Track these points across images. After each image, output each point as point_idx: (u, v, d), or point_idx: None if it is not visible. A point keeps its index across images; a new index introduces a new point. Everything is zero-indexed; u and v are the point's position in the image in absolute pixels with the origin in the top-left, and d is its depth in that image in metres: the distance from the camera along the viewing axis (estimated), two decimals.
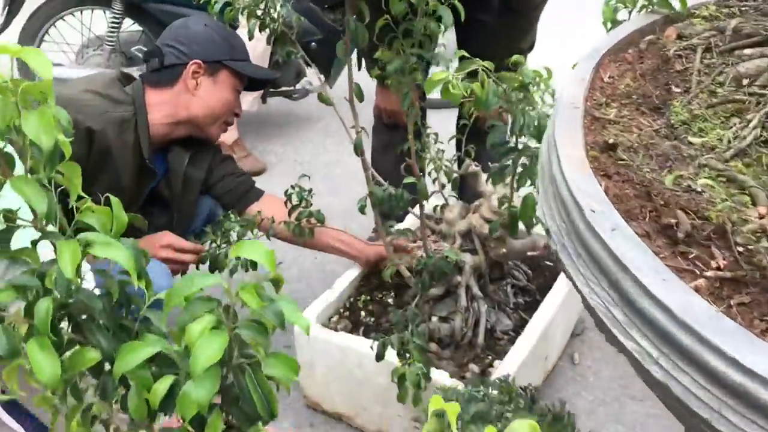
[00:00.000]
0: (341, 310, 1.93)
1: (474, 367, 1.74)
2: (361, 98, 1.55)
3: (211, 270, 1.82)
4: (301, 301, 2.36)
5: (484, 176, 1.93)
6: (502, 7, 2.03)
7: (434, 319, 1.81)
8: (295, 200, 1.83)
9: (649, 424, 1.90)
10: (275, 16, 1.59)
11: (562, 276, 1.96)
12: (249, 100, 3.27)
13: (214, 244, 1.84)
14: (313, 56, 1.63)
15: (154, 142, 1.81)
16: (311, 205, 1.86)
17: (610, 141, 0.89)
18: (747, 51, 1.09)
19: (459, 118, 2.40)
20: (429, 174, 1.83)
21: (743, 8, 1.31)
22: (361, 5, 1.27)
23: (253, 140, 3.54)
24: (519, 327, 1.88)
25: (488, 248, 1.78)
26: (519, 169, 1.26)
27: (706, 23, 1.20)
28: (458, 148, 2.37)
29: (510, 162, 1.31)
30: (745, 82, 1.03)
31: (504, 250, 1.73)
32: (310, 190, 1.87)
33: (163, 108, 1.80)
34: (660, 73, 1.10)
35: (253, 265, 1.87)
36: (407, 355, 1.54)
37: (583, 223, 0.78)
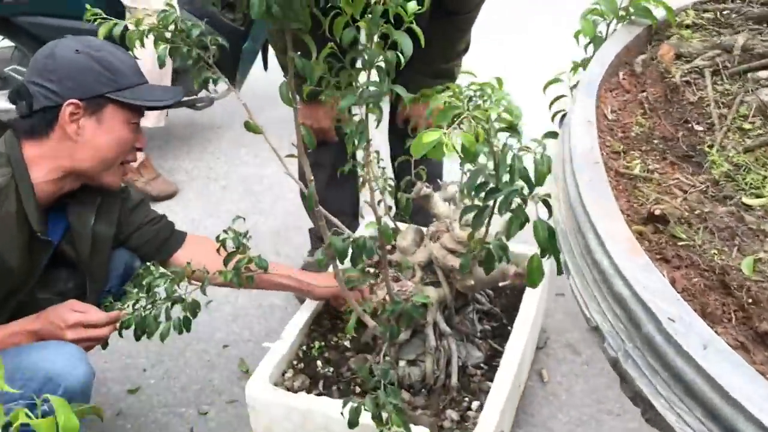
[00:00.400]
0: (294, 363, 1.73)
1: (452, 414, 1.59)
2: (312, 146, 1.35)
3: (137, 336, 1.58)
4: (239, 346, 2.15)
5: (436, 198, 1.78)
6: (437, 9, 1.85)
7: (402, 363, 1.64)
8: (230, 246, 1.61)
9: None
10: (188, 37, 1.35)
11: (527, 295, 1.84)
12: (154, 116, 2.96)
13: (138, 305, 1.60)
14: (216, 61, 1.38)
15: (43, 204, 1.49)
16: (249, 249, 1.64)
17: (656, 212, 0.74)
18: (762, 73, 0.96)
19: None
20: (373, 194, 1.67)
21: (724, 11, 1.19)
22: (306, 39, 1.06)
23: (157, 158, 3.22)
24: (490, 357, 1.75)
25: (453, 280, 1.62)
26: (507, 214, 1.10)
27: (702, 39, 1.07)
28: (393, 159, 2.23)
29: (490, 203, 1.15)
30: None
31: (471, 281, 1.58)
32: (246, 233, 1.65)
33: (44, 163, 1.46)
34: (671, 106, 0.96)
35: (187, 325, 1.65)
36: (384, 417, 1.37)
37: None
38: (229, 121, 3.61)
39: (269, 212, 2.82)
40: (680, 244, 0.71)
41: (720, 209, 0.74)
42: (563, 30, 2.06)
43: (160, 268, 1.72)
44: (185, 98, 3.21)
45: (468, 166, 1.22)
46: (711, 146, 0.84)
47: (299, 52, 1.09)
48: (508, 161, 1.01)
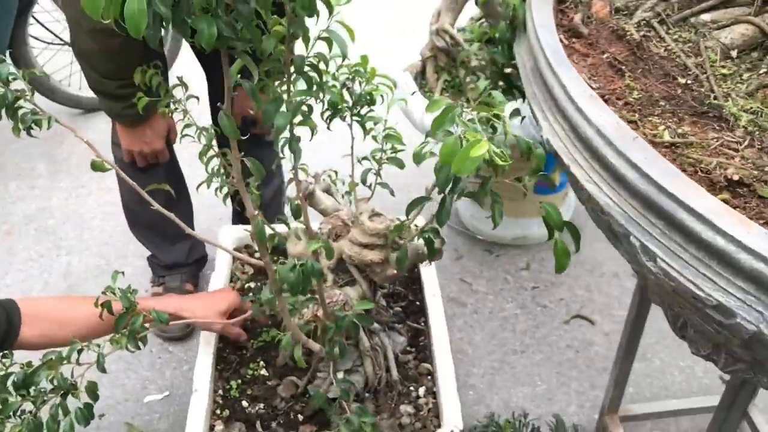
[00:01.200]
0: (218, 411, 1.53)
1: (406, 408, 1.53)
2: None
3: None
4: (117, 410, 1.83)
5: (318, 193, 1.66)
6: None
7: (340, 375, 1.53)
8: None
9: (542, 372, 1.92)
10: None
11: (422, 266, 1.82)
12: None
13: (24, 415, 1.29)
14: None
15: None
16: (136, 305, 1.39)
17: (734, 177, 0.74)
18: (704, 17, 1.01)
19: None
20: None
21: None
22: (245, 59, 0.88)
23: None
24: (412, 338, 1.71)
25: (372, 274, 1.54)
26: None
27: None
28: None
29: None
30: (734, 53, 0.95)
31: (393, 271, 1.51)
32: (130, 288, 1.40)
33: None
34: (644, 63, 0.96)
35: (90, 413, 1.38)
36: None
37: None
38: None
39: (80, 248, 2.44)
40: None
41: None
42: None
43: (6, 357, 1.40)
44: None
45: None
46: (716, 98, 0.86)
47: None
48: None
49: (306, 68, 1.01)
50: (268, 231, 1.73)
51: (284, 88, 1.02)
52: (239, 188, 1.55)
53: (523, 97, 1.30)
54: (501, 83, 1.27)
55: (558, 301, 2.14)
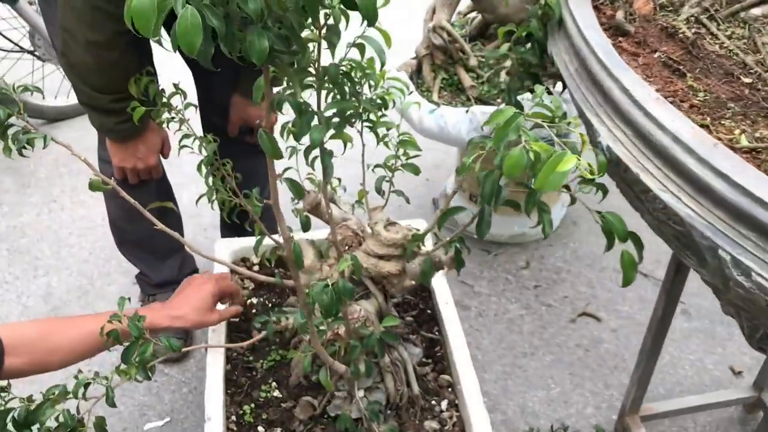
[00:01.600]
0: None
1: (431, 424, 1.47)
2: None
3: None
4: None
5: (325, 203, 1.58)
6: None
7: (360, 394, 1.47)
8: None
9: (555, 374, 1.88)
10: None
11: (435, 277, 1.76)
12: None
13: None
14: None
15: None
16: (142, 320, 1.30)
17: None
18: (755, 11, 0.97)
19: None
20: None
21: None
22: (287, 73, 0.80)
23: None
24: (427, 349, 1.65)
25: (388, 286, 1.47)
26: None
27: None
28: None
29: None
30: None
31: (411, 282, 1.44)
32: (142, 318, 1.31)
33: None
34: (701, 62, 0.92)
35: None
36: None
37: None
38: None
39: (58, 267, 2.31)
40: None
41: None
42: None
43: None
44: None
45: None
46: None
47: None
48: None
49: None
50: (270, 243, 1.66)
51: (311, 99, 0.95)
52: (248, 203, 1.47)
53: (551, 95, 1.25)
54: (527, 83, 1.22)
55: (562, 299, 2.11)
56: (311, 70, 0.90)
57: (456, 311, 1.65)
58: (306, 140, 0.95)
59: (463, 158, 1.15)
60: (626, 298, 2.11)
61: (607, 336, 1.99)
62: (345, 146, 1.07)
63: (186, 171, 2.70)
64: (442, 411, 1.51)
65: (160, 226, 1.40)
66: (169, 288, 2.02)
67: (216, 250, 1.85)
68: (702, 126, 0.81)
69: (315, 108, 0.93)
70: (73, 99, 3.12)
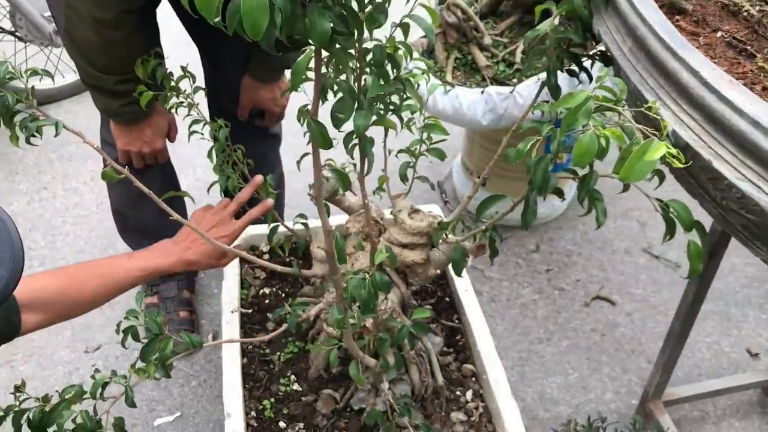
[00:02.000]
0: None
1: (458, 416, 1.44)
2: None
3: None
4: None
5: (349, 195, 1.53)
6: None
7: (384, 386, 1.42)
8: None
9: (572, 359, 1.85)
10: None
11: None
12: None
13: None
14: None
15: None
16: (159, 315, 1.25)
17: None
18: None
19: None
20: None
21: None
22: (340, 57, 0.74)
23: None
24: (447, 338, 1.61)
25: (412, 275, 1.42)
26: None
27: None
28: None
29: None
30: None
31: (436, 270, 1.40)
32: (159, 314, 1.26)
33: None
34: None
35: None
36: None
37: None
38: None
39: (54, 258, 2.23)
40: None
41: None
42: None
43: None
44: None
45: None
46: None
47: None
48: None
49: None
50: (284, 231, 1.60)
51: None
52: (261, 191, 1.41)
53: (590, 78, 1.20)
54: (566, 64, 1.17)
55: (574, 282, 2.08)
56: (352, 52, 0.84)
57: (476, 299, 1.61)
58: (345, 127, 0.89)
59: (504, 144, 1.10)
60: (639, 280, 2.08)
61: (622, 320, 1.97)
62: (386, 133, 1.01)
63: (183, 154, 2.62)
64: (467, 401, 1.47)
65: (175, 216, 1.34)
66: (173, 278, 1.95)
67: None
68: None
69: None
70: (60, 82, 3.02)
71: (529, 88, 1.79)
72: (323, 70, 0.81)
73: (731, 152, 0.78)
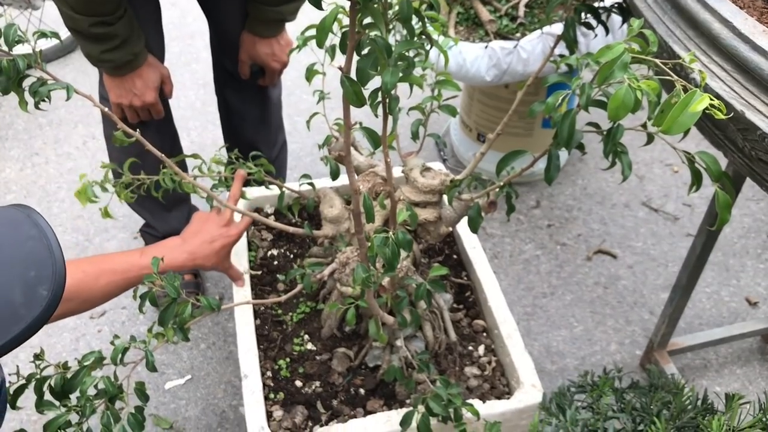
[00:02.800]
0: (272, 396, 1.41)
1: (472, 370, 1.46)
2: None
3: None
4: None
5: (356, 155, 1.51)
6: None
7: (398, 343, 1.44)
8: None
9: (576, 313, 1.88)
10: None
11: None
12: None
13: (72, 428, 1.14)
14: None
15: None
16: (177, 279, 1.24)
17: None
18: None
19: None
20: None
21: None
22: (372, 10, 0.73)
23: None
24: (456, 294, 1.62)
25: (424, 234, 1.43)
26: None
27: None
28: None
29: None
30: None
31: (448, 228, 1.40)
32: (177, 277, 1.25)
33: None
34: None
35: (142, 416, 1.24)
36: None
37: None
38: None
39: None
40: None
41: None
42: None
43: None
44: None
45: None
46: None
47: None
48: None
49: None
50: (290, 193, 1.60)
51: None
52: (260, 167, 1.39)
53: (607, 31, 1.19)
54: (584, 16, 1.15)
55: (576, 237, 2.10)
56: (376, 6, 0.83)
57: (485, 255, 1.63)
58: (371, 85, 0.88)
59: (518, 99, 1.09)
60: (639, 234, 2.11)
61: (623, 272, 1.99)
62: (411, 90, 1.00)
63: (176, 117, 2.58)
64: (479, 356, 1.49)
65: (184, 177, 1.33)
66: None
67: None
68: None
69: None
70: (42, 45, 2.94)
71: (532, 42, 1.78)
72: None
73: (764, 102, 0.78)
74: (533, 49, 1.75)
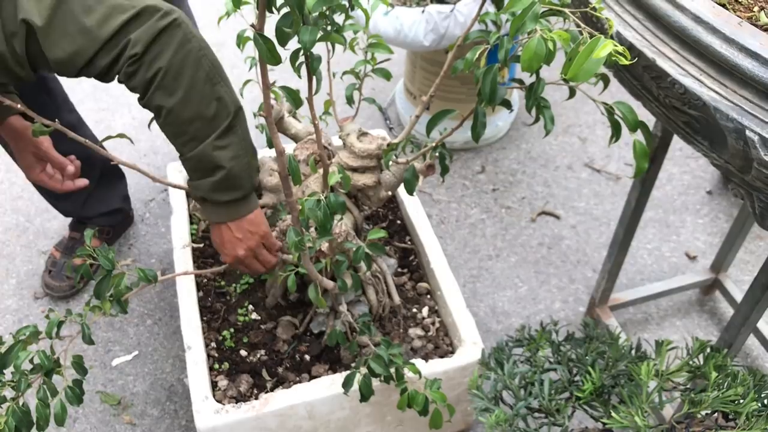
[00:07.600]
0: (217, 367, 1.41)
1: (416, 331, 1.47)
2: None
3: None
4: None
5: (288, 117, 1.50)
6: None
7: (342, 308, 1.44)
8: None
9: (521, 273, 1.91)
10: None
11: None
12: None
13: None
14: None
15: None
16: (112, 252, 1.22)
17: None
18: None
19: None
20: None
21: None
22: None
23: None
24: (401, 258, 1.63)
25: (364, 199, 1.43)
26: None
27: None
28: None
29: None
30: None
31: (387, 192, 1.41)
32: (112, 250, 1.23)
33: None
34: None
35: (80, 389, 1.22)
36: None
37: None
38: None
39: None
40: None
41: None
42: None
43: None
44: None
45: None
46: None
47: None
48: None
49: None
50: None
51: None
52: None
53: None
54: None
55: (520, 200, 2.13)
56: None
57: (427, 219, 1.64)
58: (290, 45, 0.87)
59: (449, 60, 1.09)
60: (582, 194, 2.14)
61: (567, 232, 2.03)
62: (333, 49, 0.99)
63: (116, 94, 2.53)
64: (423, 318, 1.51)
65: (117, 159, 1.30)
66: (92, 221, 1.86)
67: (168, 174, 1.75)
68: (719, 5, 0.78)
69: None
70: None
71: (468, 6, 1.78)
72: None
73: (674, 49, 0.79)
74: (470, 12, 1.76)
